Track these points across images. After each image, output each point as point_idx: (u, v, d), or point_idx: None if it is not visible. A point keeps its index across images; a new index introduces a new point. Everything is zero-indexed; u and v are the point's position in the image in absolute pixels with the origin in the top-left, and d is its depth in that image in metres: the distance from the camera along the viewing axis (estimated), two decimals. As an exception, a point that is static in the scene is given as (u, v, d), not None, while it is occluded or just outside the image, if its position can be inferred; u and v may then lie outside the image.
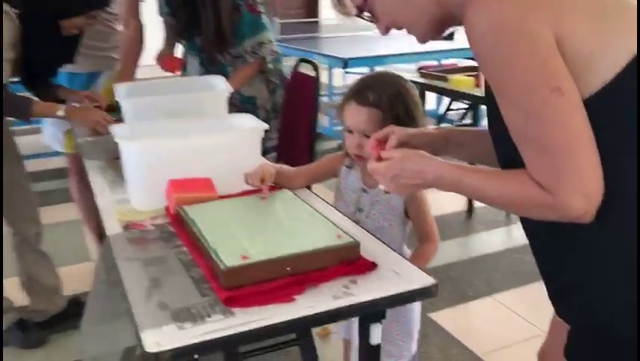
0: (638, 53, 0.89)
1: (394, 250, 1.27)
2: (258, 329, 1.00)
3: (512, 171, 0.96)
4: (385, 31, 1.17)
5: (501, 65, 0.90)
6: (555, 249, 1.05)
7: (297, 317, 1.03)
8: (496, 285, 2.81)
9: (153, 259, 1.26)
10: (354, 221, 1.47)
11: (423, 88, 3.22)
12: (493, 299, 2.70)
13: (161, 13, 2.75)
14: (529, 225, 1.09)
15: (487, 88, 1.08)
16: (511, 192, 0.96)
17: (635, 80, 0.88)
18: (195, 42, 2.65)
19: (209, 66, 2.66)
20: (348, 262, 1.18)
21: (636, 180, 0.90)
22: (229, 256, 1.13)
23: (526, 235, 1.12)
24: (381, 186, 1.15)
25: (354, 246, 1.20)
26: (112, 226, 1.42)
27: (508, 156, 1.00)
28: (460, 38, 5.31)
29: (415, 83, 3.34)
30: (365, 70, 4.25)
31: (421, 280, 1.15)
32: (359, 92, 1.52)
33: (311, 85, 2.68)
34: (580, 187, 0.87)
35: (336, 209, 1.54)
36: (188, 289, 1.13)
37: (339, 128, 2.62)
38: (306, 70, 2.94)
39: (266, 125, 1.57)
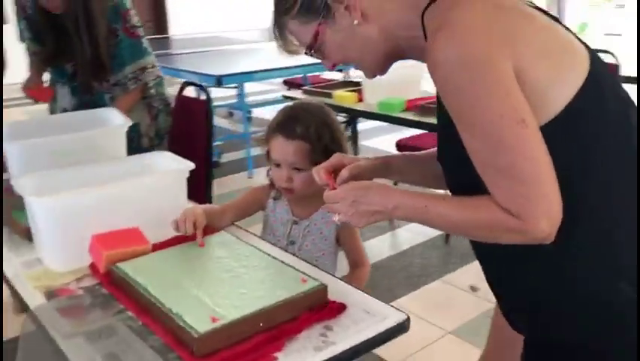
0: (583, 87, 0.95)
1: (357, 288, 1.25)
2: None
3: (477, 198, 0.98)
4: (332, 67, 1.16)
5: (469, 99, 0.92)
6: (510, 271, 1.10)
7: (288, 377, 0.97)
8: (397, 291, 2.90)
9: (98, 331, 1.12)
10: None
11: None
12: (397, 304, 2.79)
13: (22, 39, 2.48)
14: (482, 249, 1.13)
15: (440, 118, 1.11)
16: (479, 218, 0.97)
17: (582, 110, 0.95)
18: (65, 70, 2.42)
19: (83, 95, 2.46)
20: (319, 307, 1.14)
21: (591, 202, 0.97)
22: (197, 320, 1.04)
23: (480, 258, 1.16)
24: (335, 218, 1.12)
25: (323, 289, 1.16)
26: (30, 296, 1.24)
27: (463, 181, 1.03)
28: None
29: (296, 99, 3.38)
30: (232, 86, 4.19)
31: (393, 316, 1.14)
32: (285, 126, 1.49)
33: (201, 109, 2.58)
34: (546, 212, 0.91)
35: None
36: (154, 363, 1.01)
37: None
38: (188, 93, 2.83)
39: (192, 165, 1.47)
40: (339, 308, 1.15)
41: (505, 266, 1.11)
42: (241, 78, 4.28)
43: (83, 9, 2.19)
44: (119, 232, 1.34)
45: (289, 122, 1.48)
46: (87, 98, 2.45)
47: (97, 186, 1.35)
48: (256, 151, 5.10)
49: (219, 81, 3.94)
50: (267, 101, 6.35)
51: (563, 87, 0.94)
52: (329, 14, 1.05)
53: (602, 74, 0.98)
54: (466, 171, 0.98)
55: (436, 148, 1.27)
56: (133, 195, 1.38)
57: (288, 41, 1.14)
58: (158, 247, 1.36)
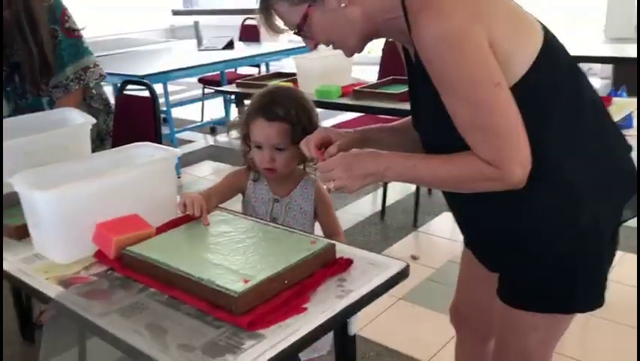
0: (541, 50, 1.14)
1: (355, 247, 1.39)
2: (302, 338, 1.04)
3: (459, 154, 1.14)
4: (314, 47, 1.29)
5: (452, 68, 1.09)
6: (486, 216, 1.28)
7: (324, 321, 1.09)
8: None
9: (130, 307, 1.18)
10: None
11: (242, 97, 3.32)
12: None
13: None
14: (461, 204, 1.32)
15: (416, 90, 1.27)
16: (463, 171, 1.14)
17: (544, 69, 1.13)
18: None
19: (19, 100, 2.41)
20: (331, 264, 1.26)
21: (556, 148, 1.16)
22: (230, 283, 1.13)
23: (459, 208, 1.35)
24: (330, 184, 1.25)
25: (332, 248, 1.29)
26: (46, 287, 1.27)
27: (439, 143, 1.20)
28: (240, 48, 5.51)
29: (234, 93, 3.44)
30: (159, 86, 4.16)
31: (395, 265, 1.29)
32: (267, 109, 1.59)
33: (147, 108, 2.59)
34: (519, 160, 1.10)
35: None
36: (195, 326, 1.10)
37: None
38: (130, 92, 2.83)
39: (179, 152, 1.54)
40: (348, 263, 1.28)
41: (483, 218, 1.29)
42: (165, 77, 4.26)
43: (24, 10, 2.16)
44: (121, 219, 1.39)
45: (270, 105, 1.58)
46: (23, 104, 2.40)
47: (98, 177, 1.39)
48: (184, 149, 5.09)
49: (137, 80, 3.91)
50: (187, 99, 6.32)
51: (525, 53, 1.12)
52: None
53: (553, 41, 1.18)
54: (445, 135, 1.15)
55: (408, 118, 1.43)
56: (130, 184, 1.43)
57: (273, 20, 1.25)
58: (160, 230, 1.42)
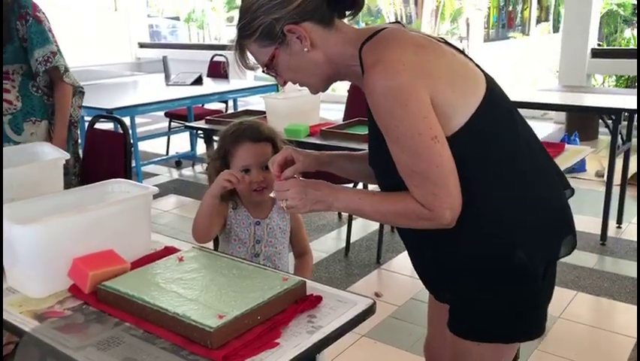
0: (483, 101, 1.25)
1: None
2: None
3: (397, 193, 1.27)
4: (283, 84, 1.40)
5: (396, 120, 1.20)
6: (429, 252, 1.39)
7: (295, 355, 1.15)
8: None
9: (106, 341, 1.21)
10: (253, 254, 1.68)
11: (211, 133, 3.38)
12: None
13: None
14: (408, 238, 1.44)
15: (371, 132, 1.36)
16: (399, 209, 1.27)
17: (485, 116, 1.24)
18: None
19: None
20: (301, 300, 1.32)
21: (489, 186, 1.26)
22: (205, 319, 1.18)
23: (407, 246, 1.47)
24: (282, 203, 1.36)
25: (303, 285, 1.35)
26: (21, 321, 1.29)
27: (389, 182, 1.33)
28: (208, 84, 5.58)
29: (204, 129, 3.50)
30: (126, 119, 4.19)
31: (362, 302, 1.35)
32: (251, 132, 1.70)
33: (117, 142, 2.62)
34: (450, 205, 1.21)
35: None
36: (172, 360, 1.14)
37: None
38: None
39: (155, 189, 1.58)
40: (318, 299, 1.34)
41: (426, 249, 1.40)
42: (134, 111, 4.29)
43: None
44: (96, 254, 1.43)
45: (253, 129, 1.70)
46: None
47: (77, 212, 1.43)
48: (149, 182, 5.08)
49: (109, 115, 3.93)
50: (153, 133, 6.33)
51: (466, 107, 1.24)
52: (284, 41, 1.28)
53: (494, 89, 1.30)
54: (391, 174, 1.26)
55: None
56: (107, 219, 1.46)
57: (246, 59, 1.35)
58: (135, 265, 1.46)
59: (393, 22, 1.36)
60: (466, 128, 1.22)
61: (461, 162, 1.21)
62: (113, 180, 1.66)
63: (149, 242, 1.58)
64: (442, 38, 1.37)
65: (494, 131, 1.27)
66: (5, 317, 1.32)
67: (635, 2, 10.20)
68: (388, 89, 1.18)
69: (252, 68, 1.38)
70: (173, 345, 1.18)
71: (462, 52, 1.35)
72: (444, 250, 1.33)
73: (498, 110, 1.29)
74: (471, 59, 1.34)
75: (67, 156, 1.94)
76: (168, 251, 1.58)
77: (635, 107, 3.50)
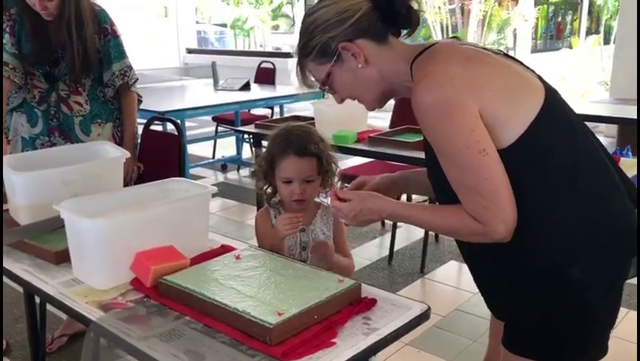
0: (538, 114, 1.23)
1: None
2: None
3: (451, 207, 1.26)
4: (341, 101, 1.41)
5: (443, 134, 1.20)
6: (489, 267, 1.36)
7: (352, 355, 1.16)
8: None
9: (168, 333, 1.25)
10: (300, 260, 1.68)
11: (259, 137, 3.44)
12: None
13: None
14: (466, 251, 1.41)
15: (426, 147, 1.36)
16: (451, 223, 1.26)
17: (539, 134, 1.21)
18: (35, 94, 2.48)
19: (50, 121, 2.50)
20: (356, 302, 1.34)
21: (544, 205, 1.23)
22: (265, 315, 1.20)
23: (466, 261, 1.44)
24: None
25: (358, 287, 1.36)
26: (87, 311, 1.34)
27: (443, 195, 1.31)
28: (255, 89, 5.67)
29: (253, 133, 3.56)
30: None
31: (416, 307, 1.36)
32: (297, 145, 1.70)
33: (171, 144, 2.69)
34: (502, 219, 1.19)
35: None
36: (231, 354, 1.17)
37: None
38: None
39: (214, 189, 1.63)
40: (373, 302, 1.35)
41: (479, 264, 1.39)
42: (184, 115, 4.38)
43: (75, 12, 2.35)
44: (158, 249, 1.47)
45: (299, 142, 1.69)
46: (55, 123, 2.50)
47: (141, 209, 1.49)
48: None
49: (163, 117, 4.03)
50: (201, 136, 6.46)
51: (520, 120, 1.21)
52: (339, 59, 1.31)
53: (554, 100, 1.26)
54: (447, 188, 1.25)
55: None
56: (168, 216, 1.51)
57: (307, 77, 1.38)
58: (193, 261, 1.50)
59: (451, 37, 1.39)
60: (521, 141, 1.20)
61: (516, 175, 1.19)
62: (172, 178, 1.71)
63: (207, 240, 1.62)
64: (500, 50, 1.36)
65: (551, 145, 1.23)
66: (71, 305, 1.38)
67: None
68: (433, 103, 1.18)
69: (312, 86, 1.41)
70: (232, 340, 1.22)
71: (521, 63, 1.33)
72: (495, 266, 1.32)
73: (557, 123, 1.25)
74: (532, 70, 1.32)
75: (128, 154, 2.00)
76: (225, 249, 1.62)
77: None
